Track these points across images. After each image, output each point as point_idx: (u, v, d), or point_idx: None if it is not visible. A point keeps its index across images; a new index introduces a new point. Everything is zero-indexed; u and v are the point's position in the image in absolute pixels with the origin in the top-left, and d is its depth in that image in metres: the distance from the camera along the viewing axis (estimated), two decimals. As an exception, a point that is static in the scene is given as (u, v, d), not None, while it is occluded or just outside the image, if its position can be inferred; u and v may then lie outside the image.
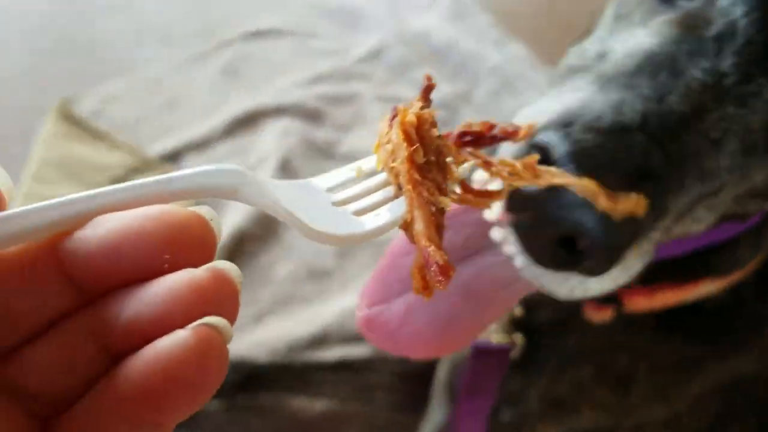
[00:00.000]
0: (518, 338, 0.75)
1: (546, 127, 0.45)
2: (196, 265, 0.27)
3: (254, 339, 1.24)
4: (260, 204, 0.31)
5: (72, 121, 1.57)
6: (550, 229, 0.43)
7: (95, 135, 1.56)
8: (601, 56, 0.54)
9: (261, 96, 1.71)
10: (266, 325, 1.28)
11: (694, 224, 0.54)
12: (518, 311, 0.75)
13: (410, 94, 1.75)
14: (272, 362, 1.14)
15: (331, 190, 0.35)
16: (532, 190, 0.43)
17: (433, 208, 0.36)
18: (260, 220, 1.41)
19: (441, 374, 0.88)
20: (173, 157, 1.55)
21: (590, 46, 0.58)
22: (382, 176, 0.37)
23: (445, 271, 0.33)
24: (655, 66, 0.49)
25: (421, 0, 1.99)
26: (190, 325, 0.26)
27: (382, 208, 0.36)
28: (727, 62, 0.48)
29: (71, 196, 0.27)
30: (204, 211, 0.28)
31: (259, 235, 1.40)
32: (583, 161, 0.42)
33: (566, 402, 0.77)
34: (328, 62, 1.81)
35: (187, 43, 1.86)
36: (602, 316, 0.71)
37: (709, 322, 0.73)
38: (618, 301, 0.70)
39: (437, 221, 0.36)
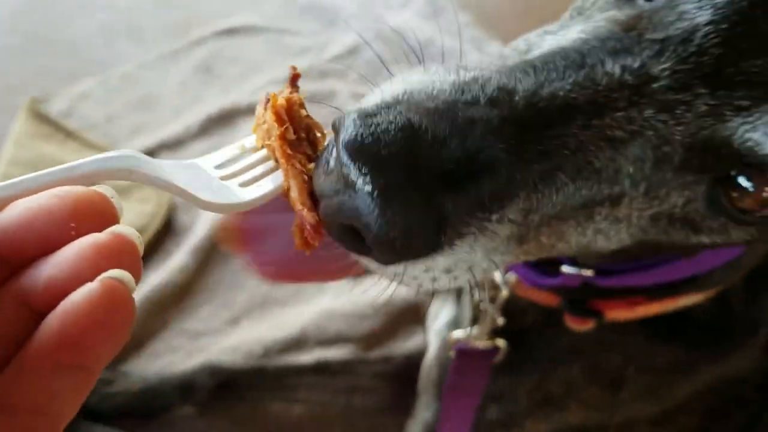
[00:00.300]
0: (501, 343, 0.74)
1: (361, 111, 0.42)
2: (99, 231, 0.32)
3: (229, 343, 1.23)
4: (154, 183, 0.36)
5: (42, 120, 1.54)
6: (336, 216, 0.41)
7: (66, 134, 1.52)
8: (526, 50, 0.50)
9: (236, 94, 1.68)
10: (242, 328, 1.26)
11: (601, 237, 0.50)
12: (500, 320, 0.73)
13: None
14: (248, 367, 1.13)
15: (219, 167, 0.40)
16: (334, 175, 0.41)
17: (306, 177, 0.42)
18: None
19: (429, 373, 0.87)
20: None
21: (525, 39, 0.53)
22: (264, 152, 0.42)
23: (317, 229, 0.40)
24: (557, 56, 0.45)
25: (397, -3, 1.98)
26: (97, 278, 0.31)
27: (265, 179, 0.41)
28: (662, 66, 0.44)
29: None
30: (103, 189, 0.34)
31: (235, 236, 1.38)
32: (357, 152, 0.39)
33: (556, 400, 0.77)
34: (304, 60, 1.79)
35: (160, 40, 1.83)
36: (582, 326, 0.70)
37: (700, 329, 0.73)
38: (597, 313, 0.69)
39: (310, 188, 0.41)
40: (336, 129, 0.42)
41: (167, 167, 0.37)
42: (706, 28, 0.44)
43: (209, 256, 1.35)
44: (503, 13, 1.97)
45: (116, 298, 0.31)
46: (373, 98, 0.44)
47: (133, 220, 1.38)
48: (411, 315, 1.27)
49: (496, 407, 0.78)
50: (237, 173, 0.40)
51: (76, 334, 0.30)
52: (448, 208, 0.40)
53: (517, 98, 0.43)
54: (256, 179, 0.41)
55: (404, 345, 1.25)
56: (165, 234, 1.39)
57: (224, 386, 1.11)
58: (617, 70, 0.44)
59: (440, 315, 0.91)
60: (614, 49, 0.45)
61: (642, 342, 0.73)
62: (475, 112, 0.42)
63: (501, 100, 0.42)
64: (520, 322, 0.76)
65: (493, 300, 0.73)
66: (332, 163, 0.41)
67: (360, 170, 0.39)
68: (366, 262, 0.45)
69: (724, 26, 0.44)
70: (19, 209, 0.32)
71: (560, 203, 0.45)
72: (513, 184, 0.42)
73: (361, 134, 0.39)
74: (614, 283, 0.66)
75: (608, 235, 0.50)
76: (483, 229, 0.43)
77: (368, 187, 0.38)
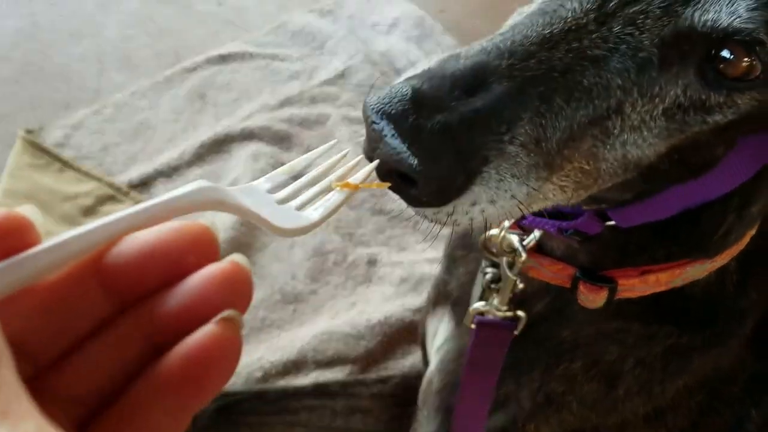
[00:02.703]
0: (521, 313, 0.76)
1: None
2: (211, 262, 0.33)
3: (230, 366, 1.24)
4: (237, 211, 0.38)
5: (38, 150, 1.56)
6: (384, 164, 0.48)
7: (62, 164, 1.55)
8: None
9: (229, 120, 1.71)
10: (241, 353, 1.27)
11: (633, 148, 0.56)
12: (520, 285, 0.76)
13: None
14: (249, 391, 1.14)
15: (269, 191, 0.42)
16: (371, 137, 0.49)
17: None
18: (232, 246, 1.41)
19: (429, 383, 0.89)
20: (143, 185, 1.54)
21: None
22: (310, 177, 0.45)
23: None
24: (525, 19, 0.54)
25: (384, 20, 2.01)
26: (214, 319, 0.32)
27: (316, 203, 0.44)
28: None
29: (96, 223, 0.32)
30: (202, 221, 0.35)
31: (232, 261, 1.40)
32: (379, 113, 0.48)
33: (557, 398, 0.79)
34: (295, 85, 1.83)
35: (151, 69, 1.85)
36: (596, 299, 0.72)
37: (696, 312, 0.75)
38: (612, 281, 0.71)
39: None
40: (364, 111, 0.50)
41: (239, 194, 0.39)
42: None
43: (207, 281, 1.36)
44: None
45: (232, 337, 0.32)
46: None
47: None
48: (406, 334, 1.30)
49: (501, 413, 0.80)
50: (289, 197, 0.43)
51: (200, 373, 0.31)
52: (463, 138, 0.48)
53: (497, 47, 0.51)
54: (307, 203, 0.44)
55: (401, 364, 1.27)
56: (162, 261, 1.40)
57: (225, 410, 1.13)
58: (575, 4, 0.53)
59: (439, 333, 0.93)
60: None
61: (639, 329, 0.76)
62: (464, 64, 0.50)
63: (484, 53, 0.51)
64: (529, 313, 0.78)
65: (511, 266, 0.75)
66: (368, 134, 0.49)
67: (385, 123, 0.47)
68: (424, 212, 0.51)
69: None
70: (137, 242, 0.33)
71: (565, 124, 0.52)
72: (513, 108, 0.49)
73: (381, 100, 0.48)
74: (636, 216, 0.68)
75: (637, 143, 0.56)
76: (501, 152, 0.49)
77: (392, 130, 0.47)
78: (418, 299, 1.35)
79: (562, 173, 0.54)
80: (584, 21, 0.52)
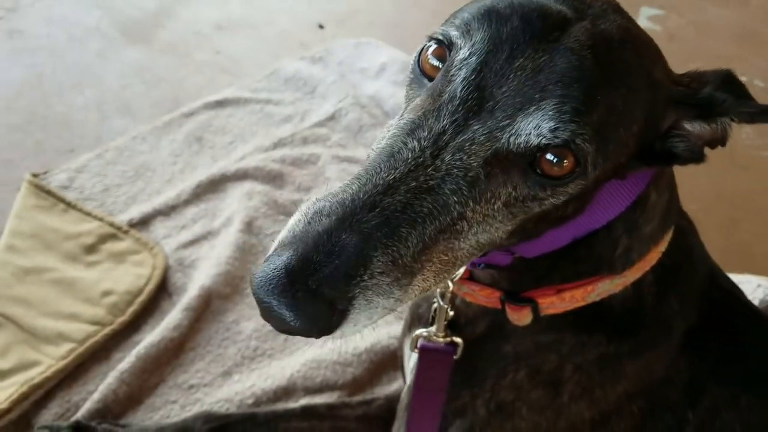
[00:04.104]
0: (458, 340, 0.86)
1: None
2: None
3: (222, 395, 1.30)
4: None
5: (43, 192, 1.64)
6: (278, 328, 0.60)
7: (66, 205, 1.63)
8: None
9: (225, 162, 1.80)
10: (233, 380, 1.34)
11: (484, 234, 0.66)
12: (450, 312, 0.86)
13: (365, 155, 1.85)
14: (240, 414, 1.20)
15: None
16: (263, 310, 0.59)
17: None
18: (227, 279, 1.48)
19: (402, 402, 0.96)
20: (143, 223, 1.62)
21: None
22: None
23: None
24: (383, 156, 0.63)
25: (372, 65, 2.10)
26: None
27: None
28: (443, 122, 0.63)
29: None
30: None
31: (226, 294, 1.47)
32: (262, 292, 0.59)
33: (507, 406, 0.85)
34: (287, 127, 1.92)
35: (149, 115, 1.95)
36: (522, 317, 0.81)
37: (619, 322, 0.83)
38: (532, 300, 0.80)
39: None
40: (252, 289, 0.60)
41: None
42: (463, 83, 0.64)
43: (202, 314, 1.43)
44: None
45: None
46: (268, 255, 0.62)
47: (131, 282, 1.47)
48: (391, 361, 1.36)
49: (459, 422, 0.86)
50: None
51: None
52: (332, 291, 0.58)
53: (352, 199, 0.61)
54: None
55: (386, 389, 1.33)
56: (160, 294, 1.48)
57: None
58: (414, 143, 0.63)
59: (413, 354, 0.99)
60: (411, 130, 0.64)
61: (571, 338, 0.83)
62: (323, 226, 0.59)
63: (340, 207, 0.60)
64: (473, 333, 0.86)
65: (443, 296, 0.86)
66: (260, 308, 0.60)
67: (272, 299, 0.58)
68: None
69: (473, 76, 0.64)
70: None
71: (416, 241, 0.61)
72: (365, 252, 0.59)
73: (264, 279, 0.58)
74: (534, 249, 0.78)
75: (488, 230, 0.67)
76: (365, 287, 0.59)
77: (277, 304, 0.58)
78: (404, 327, 1.41)
79: (424, 272, 0.63)
80: (422, 159, 0.62)
